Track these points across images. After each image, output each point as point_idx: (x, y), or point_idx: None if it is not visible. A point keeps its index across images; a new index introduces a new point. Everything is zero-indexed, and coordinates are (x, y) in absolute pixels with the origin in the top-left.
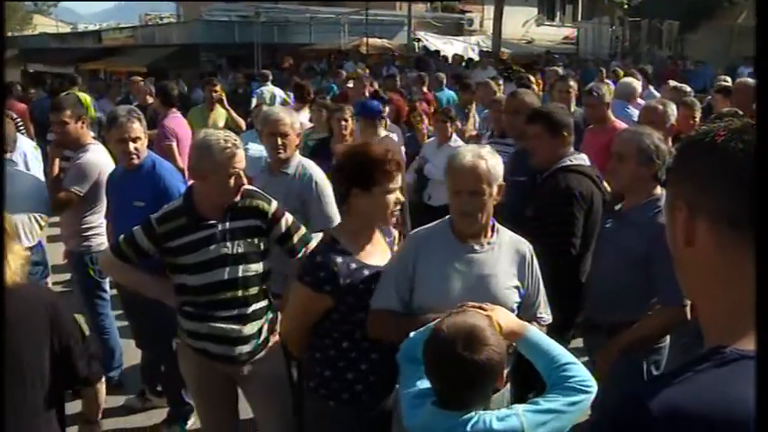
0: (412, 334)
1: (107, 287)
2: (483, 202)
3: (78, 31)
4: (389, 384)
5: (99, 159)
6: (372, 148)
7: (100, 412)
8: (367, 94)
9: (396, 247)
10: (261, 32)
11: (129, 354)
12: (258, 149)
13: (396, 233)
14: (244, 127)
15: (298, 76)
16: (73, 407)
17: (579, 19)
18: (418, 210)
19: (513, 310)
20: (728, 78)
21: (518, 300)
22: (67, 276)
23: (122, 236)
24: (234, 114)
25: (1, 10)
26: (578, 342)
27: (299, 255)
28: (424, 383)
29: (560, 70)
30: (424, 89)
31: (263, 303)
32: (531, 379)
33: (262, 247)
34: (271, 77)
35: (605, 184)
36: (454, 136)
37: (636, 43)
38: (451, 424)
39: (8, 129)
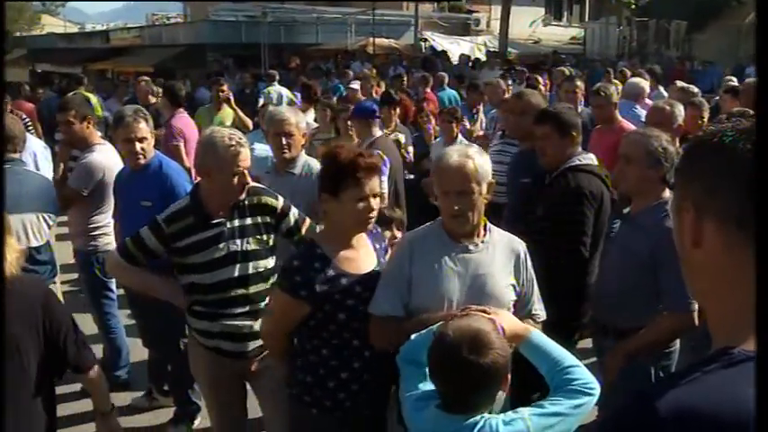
0: (413, 336)
1: (114, 286)
2: (472, 201)
3: (86, 32)
4: (376, 392)
5: (104, 159)
6: (341, 153)
7: (109, 401)
8: (374, 94)
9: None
10: (268, 32)
11: (136, 353)
12: (264, 149)
13: (399, 235)
14: (251, 126)
15: (305, 76)
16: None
17: (586, 19)
18: (424, 211)
19: (509, 309)
20: (734, 78)
21: (514, 298)
22: (76, 276)
23: (129, 237)
24: (241, 114)
25: (1, 10)
26: (585, 343)
27: None
28: (427, 386)
29: (567, 70)
30: (428, 89)
31: None
32: (529, 381)
33: (270, 242)
34: (278, 77)
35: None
36: (460, 136)
37: (643, 43)
38: (457, 428)
39: (17, 129)
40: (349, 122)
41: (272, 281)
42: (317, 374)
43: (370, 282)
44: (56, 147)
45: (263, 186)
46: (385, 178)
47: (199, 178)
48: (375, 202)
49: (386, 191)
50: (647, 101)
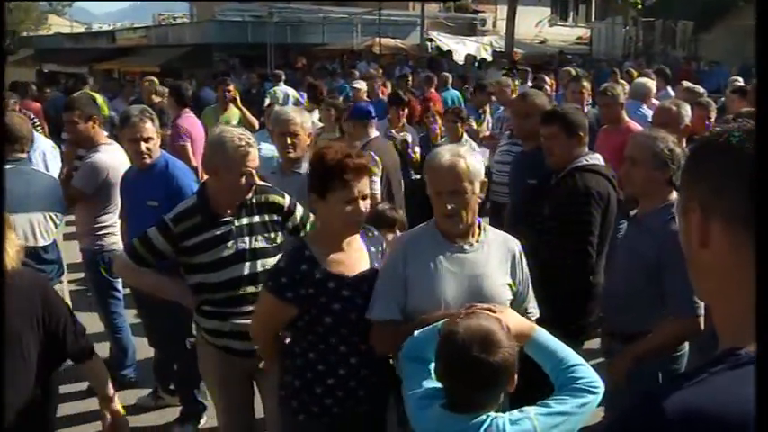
0: (416, 333)
1: (120, 286)
2: (465, 200)
3: (92, 32)
4: (365, 398)
5: (109, 159)
6: (328, 154)
7: (109, 385)
8: (381, 94)
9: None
10: (274, 32)
11: (143, 352)
12: (270, 149)
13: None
14: (257, 126)
15: (311, 76)
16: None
17: (593, 19)
18: (431, 211)
19: None
20: (740, 79)
21: (510, 297)
22: (83, 275)
23: (136, 238)
24: (247, 114)
25: (1, 10)
26: (592, 344)
27: None
28: (430, 383)
29: (573, 71)
30: (432, 89)
31: None
32: (533, 380)
33: (278, 240)
34: (284, 77)
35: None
36: (465, 136)
37: (650, 43)
38: (462, 427)
39: (25, 129)
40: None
41: None
42: (305, 378)
43: (360, 285)
44: (63, 146)
45: (269, 185)
46: (376, 179)
47: (206, 177)
48: (364, 204)
49: (378, 192)
50: (655, 101)
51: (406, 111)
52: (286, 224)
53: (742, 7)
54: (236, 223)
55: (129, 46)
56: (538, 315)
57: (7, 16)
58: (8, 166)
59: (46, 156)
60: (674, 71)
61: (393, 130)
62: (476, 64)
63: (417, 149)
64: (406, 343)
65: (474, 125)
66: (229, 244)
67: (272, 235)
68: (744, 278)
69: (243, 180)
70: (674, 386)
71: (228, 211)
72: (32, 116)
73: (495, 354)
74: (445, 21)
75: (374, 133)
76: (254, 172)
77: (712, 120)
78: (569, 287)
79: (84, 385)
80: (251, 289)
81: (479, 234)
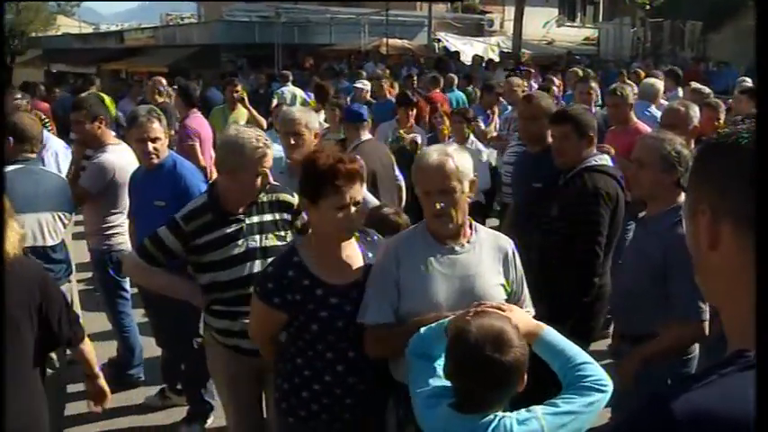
0: (422, 330)
1: (127, 286)
2: (455, 199)
3: (100, 32)
4: (351, 406)
5: (116, 159)
6: (320, 158)
7: (96, 365)
8: (388, 95)
9: None
10: (281, 33)
11: (150, 351)
12: (279, 149)
13: None
14: (265, 126)
15: (318, 77)
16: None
17: (600, 20)
18: None
19: None
20: (748, 79)
21: (504, 297)
22: (91, 274)
23: (147, 238)
24: (255, 113)
25: (1, 10)
26: (599, 345)
27: None
28: (437, 382)
29: (580, 71)
30: (437, 90)
31: None
32: (541, 379)
33: (288, 239)
34: (291, 78)
35: None
36: (471, 137)
37: (658, 44)
38: (470, 427)
39: (36, 130)
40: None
41: None
42: (293, 383)
43: (350, 292)
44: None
45: (278, 183)
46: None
47: (214, 177)
48: (356, 210)
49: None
50: (664, 102)
51: (415, 111)
52: (294, 223)
53: (751, 7)
54: (247, 221)
55: (137, 46)
56: (533, 314)
57: (17, 17)
58: (17, 166)
59: (58, 156)
60: (682, 72)
61: (402, 131)
62: (483, 65)
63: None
64: (413, 340)
65: (482, 126)
66: (240, 242)
67: (283, 233)
68: (752, 279)
69: (258, 180)
70: (682, 388)
71: (239, 210)
72: (43, 116)
73: (508, 353)
74: (452, 21)
75: (366, 136)
76: (268, 172)
77: (721, 121)
78: (576, 287)
79: (82, 386)
80: None
81: (470, 234)
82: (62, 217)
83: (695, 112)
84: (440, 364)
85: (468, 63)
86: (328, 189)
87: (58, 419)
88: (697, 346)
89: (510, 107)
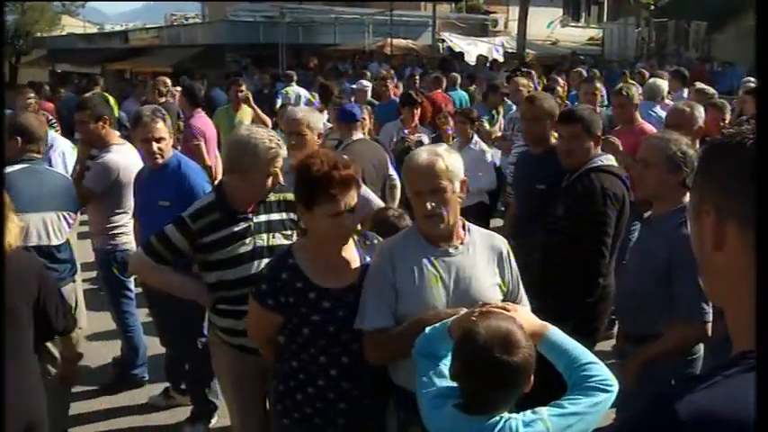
0: (427, 329)
1: (132, 286)
2: (446, 199)
3: (105, 32)
4: (345, 411)
5: (120, 159)
6: (314, 164)
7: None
8: (393, 95)
9: None
10: (286, 33)
11: (154, 351)
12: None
13: None
14: (269, 126)
15: (322, 77)
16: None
17: (605, 20)
18: None
19: None
20: (752, 79)
21: (501, 297)
22: (96, 274)
23: (154, 236)
24: (260, 113)
25: (1, 9)
26: (604, 345)
27: None
28: (443, 382)
29: (584, 72)
30: (438, 90)
31: None
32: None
33: (294, 238)
34: (296, 78)
35: None
36: (475, 137)
37: (662, 44)
38: (476, 429)
39: (42, 131)
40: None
41: None
42: (288, 385)
43: (344, 297)
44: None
45: (284, 184)
46: None
47: (218, 177)
48: (351, 217)
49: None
50: (670, 102)
51: (419, 111)
52: (299, 223)
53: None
54: (255, 220)
55: (142, 46)
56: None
57: (21, 17)
58: (22, 166)
59: (65, 156)
60: (688, 72)
61: (407, 131)
62: (487, 65)
63: None
64: (419, 340)
65: (486, 126)
66: (247, 241)
67: (289, 232)
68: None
69: (269, 181)
70: (686, 389)
71: (247, 209)
72: (50, 117)
73: (516, 354)
74: (457, 21)
75: (358, 135)
76: (279, 173)
77: (727, 121)
78: (581, 287)
79: (87, 386)
80: None
81: (464, 235)
82: (67, 216)
83: (700, 112)
84: (446, 364)
85: (473, 63)
86: (322, 197)
87: (62, 419)
88: (702, 346)
89: (514, 107)
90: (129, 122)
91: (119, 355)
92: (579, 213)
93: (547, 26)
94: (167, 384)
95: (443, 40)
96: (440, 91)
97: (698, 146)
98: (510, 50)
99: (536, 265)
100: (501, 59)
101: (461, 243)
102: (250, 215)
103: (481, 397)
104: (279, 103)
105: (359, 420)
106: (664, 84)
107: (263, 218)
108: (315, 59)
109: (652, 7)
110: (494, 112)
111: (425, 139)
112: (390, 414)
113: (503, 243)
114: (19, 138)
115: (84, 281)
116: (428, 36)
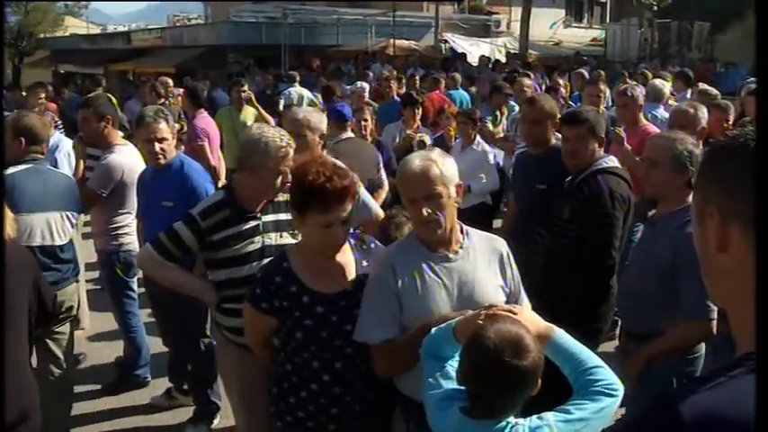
0: (432, 330)
1: (134, 286)
2: (442, 204)
3: (108, 33)
4: (337, 417)
5: (124, 160)
6: (309, 173)
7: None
8: (394, 95)
9: None
10: (288, 34)
11: (157, 351)
12: None
13: None
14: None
15: (325, 78)
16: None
17: (607, 21)
18: None
19: None
20: (754, 80)
21: (504, 299)
22: (99, 274)
23: (163, 233)
24: (263, 113)
25: (1, 9)
26: (607, 346)
27: None
28: (449, 384)
29: (586, 73)
30: (437, 91)
31: None
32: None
33: (300, 238)
34: (298, 79)
35: None
36: (478, 138)
37: (665, 45)
38: None
39: (47, 132)
40: (362, 122)
41: None
42: (282, 387)
43: (338, 301)
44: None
45: None
46: None
47: (222, 178)
48: (342, 228)
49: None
50: (674, 103)
51: (420, 111)
52: None
53: None
54: (263, 219)
55: (145, 47)
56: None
57: (25, 18)
58: (26, 166)
59: (71, 156)
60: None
61: (409, 131)
62: (490, 65)
63: None
64: (425, 340)
65: (490, 126)
66: (256, 239)
67: (296, 232)
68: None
69: (279, 180)
70: (690, 389)
71: (256, 207)
72: (56, 118)
73: (526, 358)
74: (459, 22)
75: (346, 135)
76: (288, 172)
77: (730, 122)
78: (585, 290)
79: (89, 386)
80: None
81: (463, 240)
82: (70, 216)
83: (703, 113)
84: (452, 366)
85: (475, 64)
86: (315, 207)
87: (64, 419)
88: (703, 345)
89: (517, 107)
90: (133, 122)
91: (121, 356)
92: (586, 216)
93: (549, 27)
94: (170, 385)
95: (446, 41)
96: (437, 92)
97: (701, 147)
98: (512, 51)
99: (538, 269)
100: (503, 60)
101: (461, 247)
102: (259, 214)
103: (488, 400)
104: (281, 103)
105: (350, 426)
106: (666, 85)
107: (271, 217)
108: (317, 60)
109: (655, 8)
110: (497, 112)
111: (428, 138)
112: (398, 423)
113: (503, 245)
114: (23, 138)
115: (87, 281)
116: (431, 37)
